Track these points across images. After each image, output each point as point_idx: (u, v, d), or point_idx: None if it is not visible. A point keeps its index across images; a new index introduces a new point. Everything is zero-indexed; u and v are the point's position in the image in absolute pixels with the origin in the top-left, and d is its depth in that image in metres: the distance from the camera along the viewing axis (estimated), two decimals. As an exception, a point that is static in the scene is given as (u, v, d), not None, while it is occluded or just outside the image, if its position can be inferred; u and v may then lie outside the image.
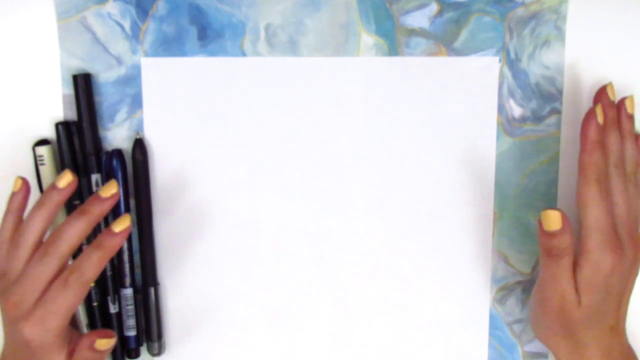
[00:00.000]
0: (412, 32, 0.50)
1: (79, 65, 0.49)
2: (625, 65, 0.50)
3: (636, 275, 0.47)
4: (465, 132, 0.51)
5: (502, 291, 0.52)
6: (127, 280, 0.50)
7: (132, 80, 0.50)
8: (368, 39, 0.50)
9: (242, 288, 0.52)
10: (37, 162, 0.49)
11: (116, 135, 0.50)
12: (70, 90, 0.49)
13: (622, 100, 0.48)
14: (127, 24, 0.49)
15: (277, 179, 0.51)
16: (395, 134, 0.51)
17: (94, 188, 0.49)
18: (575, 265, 0.45)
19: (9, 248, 0.45)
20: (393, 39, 0.50)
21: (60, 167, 0.49)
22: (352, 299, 0.52)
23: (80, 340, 0.45)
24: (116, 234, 0.44)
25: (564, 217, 0.44)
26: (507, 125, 0.51)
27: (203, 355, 0.52)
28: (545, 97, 0.51)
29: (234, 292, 0.52)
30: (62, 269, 0.44)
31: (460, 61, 0.50)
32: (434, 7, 0.49)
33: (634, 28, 0.50)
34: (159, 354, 0.52)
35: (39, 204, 0.45)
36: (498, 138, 0.51)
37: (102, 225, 0.50)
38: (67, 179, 0.45)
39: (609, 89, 0.47)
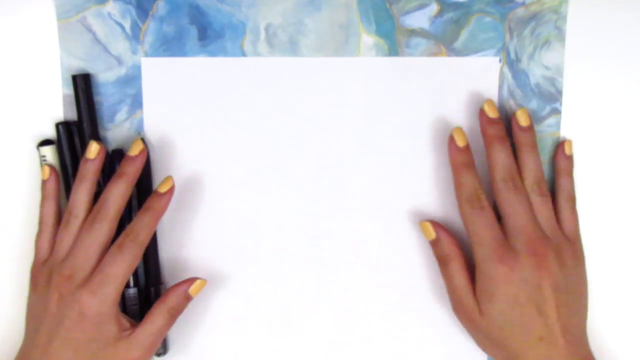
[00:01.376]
0: (413, 32, 0.50)
1: (79, 65, 0.49)
2: (625, 66, 0.51)
3: (561, 282, 0.46)
4: (465, 133, 0.51)
5: (502, 291, 0.52)
6: (131, 281, 0.50)
7: (132, 80, 0.50)
8: (368, 39, 0.50)
9: (244, 287, 0.52)
10: (41, 162, 0.49)
11: (116, 136, 0.50)
12: (71, 90, 0.49)
13: (514, 114, 0.49)
14: (127, 24, 0.49)
15: (278, 178, 0.51)
16: (395, 134, 0.51)
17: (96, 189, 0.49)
18: (474, 276, 0.47)
19: (58, 231, 0.47)
20: (393, 39, 0.50)
21: (61, 167, 0.49)
22: (352, 299, 0.52)
23: (175, 287, 0.48)
24: (162, 195, 0.47)
25: (437, 227, 0.49)
26: (507, 125, 0.51)
27: (206, 354, 0.52)
28: (545, 97, 0.51)
29: (236, 291, 0.52)
30: (112, 234, 0.46)
31: (460, 61, 0.50)
32: (434, 8, 0.50)
33: (634, 28, 0.50)
34: (163, 353, 0.52)
35: (79, 179, 0.47)
36: (498, 138, 0.51)
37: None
38: (95, 148, 0.47)
39: (486, 107, 0.48)
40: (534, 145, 0.48)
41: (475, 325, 0.47)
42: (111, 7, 0.49)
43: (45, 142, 0.49)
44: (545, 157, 0.51)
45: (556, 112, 0.51)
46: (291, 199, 0.51)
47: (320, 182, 0.51)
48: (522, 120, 0.48)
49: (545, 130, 0.51)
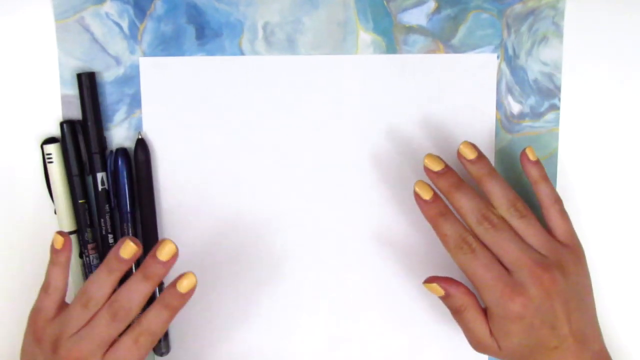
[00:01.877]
0: (410, 29, 0.50)
1: (78, 65, 0.49)
2: (623, 61, 0.50)
3: (570, 294, 0.45)
4: (463, 129, 0.51)
5: (502, 288, 0.52)
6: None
7: (130, 80, 0.50)
8: (366, 36, 0.50)
9: (245, 287, 0.52)
10: (45, 160, 0.49)
11: (115, 135, 0.50)
12: (69, 90, 0.49)
13: (458, 151, 0.47)
14: (125, 24, 0.49)
15: (277, 176, 0.51)
16: (393, 131, 0.51)
17: (100, 187, 0.49)
18: (487, 315, 0.46)
19: (72, 303, 0.45)
20: (391, 36, 0.50)
21: (65, 165, 0.49)
22: (353, 297, 0.52)
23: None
24: (183, 295, 0.45)
25: (443, 283, 0.47)
26: (505, 121, 0.51)
27: (207, 354, 0.52)
28: (544, 93, 0.51)
29: (237, 291, 0.52)
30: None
31: (458, 58, 0.50)
32: (431, 4, 0.49)
33: (632, 24, 0.50)
34: (165, 353, 0.52)
35: (107, 269, 0.44)
36: (497, 134, 0.51)
37: (107, 222, 0.50)
38: (130, 249, 0.44)
39: (427, 163, 0.47)
40: (492, 171, 0.47)
41: (494, 357, 0.47)
42: (109, 7, 0.49)
43: (48, 141, 0.49)
44: (545, 154, 0.51)
45: (555, 108, 0.51)
46: (290, 196, 0.51)
47: (319, 179, 0.51)
48: (468, 153, 0.47)
49: (544, 127, 0.51)
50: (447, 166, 0.47)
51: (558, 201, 0.48)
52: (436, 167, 0.47)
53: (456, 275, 0.52)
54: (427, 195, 0.46)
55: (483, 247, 0.46)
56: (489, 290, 0.45)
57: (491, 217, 0.46)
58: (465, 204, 0.46)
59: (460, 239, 0.46)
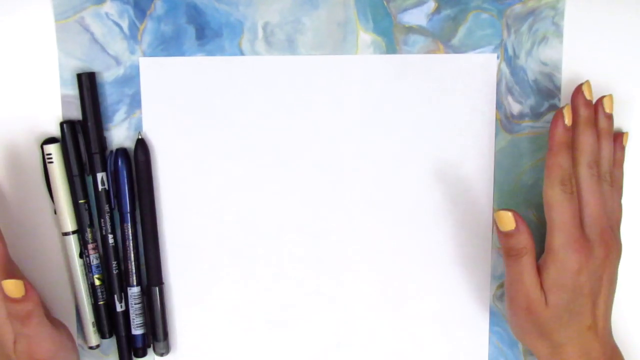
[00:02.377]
0: (410, 29, 0.50)
1: (78, 65, 0.49)
2: (623, 61, 0.50)
3: (613, 275, 0.46)
4: (463, 129, 0.51)
5: (502, 288, 0.52)
6: (134, 279, 0.50)
7: (130, 80, 0.50)
8: (366, 36, 0.50)
9: (245, 287, 0.52)
10: (45, 160, 0.49)
11: (115, 135, 0.50)
12: (69, 91, 0.49)
13: (600, 100, 0.48)
14: (125, 24, 0.49)
15: (277, 176, 0.51)
16: (393, 131, 0.51)
17: (100, 187, 0.49)
18: (541, 265, 0.46)
19: None
20: (391, 36, 0.50)
21: (65, 165, 0.49)
22: (353, 297, 0.52)
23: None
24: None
25: (517, 217, 0.45)
26: (505, 121, 0.51)
27: (209, 354, 0.52)
28: (544, 93, 0.51)
29: (237, 291, 0.52)
30: None
31: (458, 58, 0.50)
32: (431, 5, 0.49)
33: (632, 24, 0.50)
34: (165, 353, 0.52)
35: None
36: (497, 135, 0.51)
37: (107, 222, 0.50)
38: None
39: (585, 88, 0.47)
40: (612, 134, 0.48)
41: (536, 317, 0.46)
42: (109, 7, 0.49)
43: (48, 141, 0.49)
44: (545, 154, 0.51)
45: (555, 108, 0.51)
46: (291, 197, 0.51)
47: (319, 180, 0.51)
48: (608, 106, 0.48)
49: (544, 127, 0.51)
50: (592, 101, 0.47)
51: (622, 192, 0.49)
52: (590, 96, 0.47)
53: (455, 275, 0.52)
54: (570, 121, 0.46)
55: (576, 196, 0.45)
56: (565, 233, 0.45)
57: (601, 167, 0.47)
58: (590, 144, 0.46)
59: (568, 176, 0.45)
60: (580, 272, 0.45)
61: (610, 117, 0.48)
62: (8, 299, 0.44)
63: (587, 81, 0.47)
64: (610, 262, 0.46)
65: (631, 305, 0.52)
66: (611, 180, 0.47)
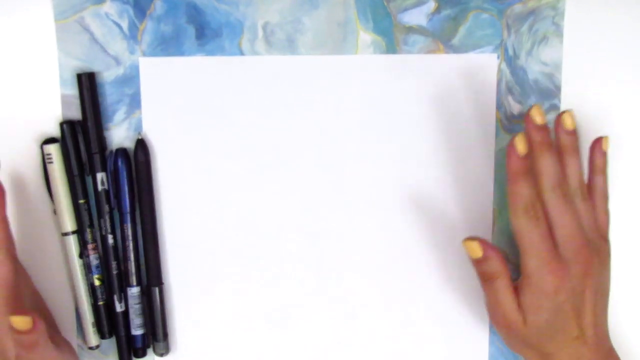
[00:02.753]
0: (410, 29, 0.50)
1: (77, 65, 0.49)
2: (623, 61, 0.50)
3: (599, 285, 0.46)
4: (464, 129, 0.51)
5: (502, 288, 0.52)
6: (134, 279, 0.50)
7: (130, 80, 0.50)
8: (366, 36, 0.50)
9: (246, 287, 0.52)
10: (45, 160, 0.49)
11: (115, 135, 0.50)
12: (69, 91, 0.49)
13: (559, 117, 0.47)
14: (124, 24, 0.49)
15: (277, 176, 0.51)
16: (393, 131, 0.51)
17: (100, 187, 0.49)
18: (519, 287, 0.46)
19: None
20: (391, 36, 0.50)
21: (65, 165, 0.49)
22: (353, 298, 0.52)
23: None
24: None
25: (484, 245, 0.46)
26: (506, 122, 0.51)
27: (209, 354, 0.52)
28: (544, 93, 0.50)
29: (237, 291, 0.52)
30: None
31: (458, 58, 0.50)
32: (431, 5, 0.49)
33: (632, 24, 0.50)
34: (165, 353, 0.52)
35: None
36: (497, 135, 0.51)
37: (107, 222, 0.50)
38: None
39: (533, 113, 0.46)
40: (577, 149, 0.47)
41: (517, 334, 0.47)
42: (109, 7, 0.49)
43: (48, 141, 0.49)
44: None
45: (555, 108, 0.51)
46: (291, 197, 0.51)
47: (319, 179, 0.51)
48: (568, 123, 0.47)
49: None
50: (547, 124, 0.47)
51: (607, 198, 0.48)
52: (540, 120, 0.46)
53: (456, 275, 0.52)
54: (523, 150, 0.45)
55: (544, 218, 0.45)
56: (535, 257, 0.45)
57: (565, 187, 0.46)
58: (550, 166, 0.46)
59: (530, 203, 0.45)
60: (558, 293, 0.45)
61: (572, 133, 0.47)
62: (15, 330, 0.43)
63: (536, 105, 0.46)
64: (592, 276, 0.46)
65: (628, 307, 0.52)
66: (582, 195, 0.47)
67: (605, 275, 0.47)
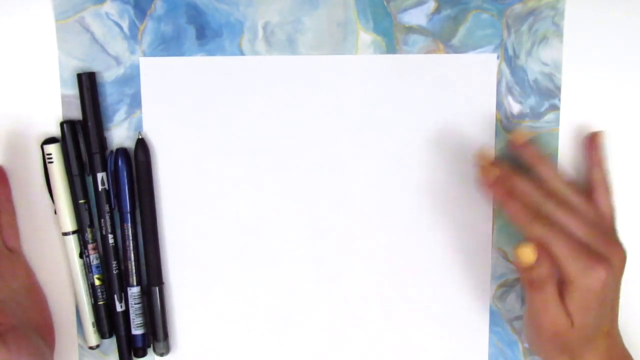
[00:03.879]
0: (410, 29, 0.50)
1: (78, 65, 0.49)
2: (623, 61, 0.50)
3: (620, 279, 0.46)
4: (463, 129, 0.51)
5: (502, 288, 0.52)
6: (134, 279, 0.50)
7: (130, 80, 0.50)
8: (366, 36, 0.50)
9: (246, 287, 0.52)
10: (45, 160, 0.49)
11: (115, 135, 0.50)
12: (69, 90, 0.49)
13: (509, 139, 0.49)
14: (125, 24, 0.49)
15: (277, 176, 0.51)
16: (393, 131, 0.51)
17: (100, 187, 0.49)
18: (563, 291, 0.44)
19: None
20: (391, 36, 0.50)
21: (65, 165, 0.49)
22: (353, 297, 0.52)
23: None
24: None
25: (538, 249, 0.44)
26: (505, 121, 0.51)
27: (209, 354, 0.52)
28: (544, 93, 0.51)
29: (237, 291, 0.52)
30: None
31: (458, 58, 0.50)
32: (431, 5, 0.49)
33: (632, 24, 0.50)
34: (165, 353, 0.52)
35: None
36: (497, 135, 0.51)
37: (107, 222, 0.50)
38: None
39: (480, 164, 0.48)
40: (540, 157, 0.48)
41: (561, 340, 0.45)
42: (109, 7, 0.49)
43: (48, 141, 0.49)
44: (545, 154, 0.51)
45: (555, 108, 0.51)
46: (291, 196, 0.51)
47: (319, 180, 0.51)
48: (517, 140, 0.48)
49: (544, 127, 0.51)
50: (494, 161, 0.48)
51: (609, 190, 0.49)
52: (488, 169, 0.47)
53: (456, 275, 0.52)
54: (492, 176, 0.46)
55: (559, 226, 0.44)
56: (574, 259, 0.43)
57: (553, 194, 0.46)
58: (526, 186, 0.46)
59: (535, 211, 0.45)
60: (605, 285, 0.44)
61: (524, 146, 0.48)
62: None
63: (480, 150, 0.48)
64: (621, 269, 0.45)
65: (631, 306, 0.52)
66: (573, 191, 0.47)
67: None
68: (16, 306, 0.48)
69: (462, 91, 0.50)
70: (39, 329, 0.49)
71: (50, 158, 0.49)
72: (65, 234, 0.50)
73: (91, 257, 0.50)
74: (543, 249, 0.44)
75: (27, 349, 0.46)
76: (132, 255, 0.50)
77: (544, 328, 0.45)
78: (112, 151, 0.50)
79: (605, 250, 0.44)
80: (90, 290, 0.51)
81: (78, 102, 0.49)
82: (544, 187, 0.46)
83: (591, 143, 0.49)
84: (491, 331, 0.53)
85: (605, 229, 0.47)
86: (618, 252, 0.45)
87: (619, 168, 0.51)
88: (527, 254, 0.44)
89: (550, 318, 0.45)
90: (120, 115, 0.50)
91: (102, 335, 0.51)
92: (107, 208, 0.50)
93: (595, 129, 0.51)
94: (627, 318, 0.52)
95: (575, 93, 0.51)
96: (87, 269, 0.50)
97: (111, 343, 0.52)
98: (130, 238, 0.50)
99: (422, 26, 0.50)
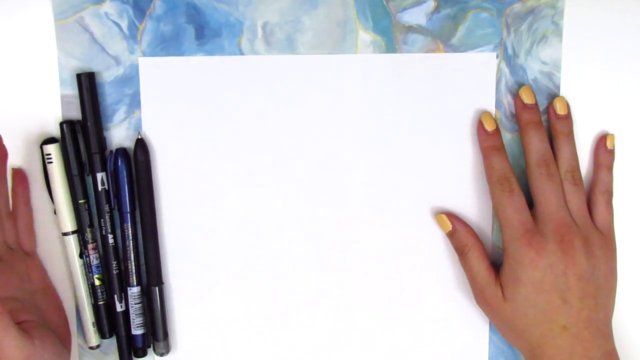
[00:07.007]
0: (410, 29, 0.50)
1: (77, 65, 0.49)
2: (623, 60, 0.50)
3: (586, 273, 0.46)
4: (463, 129, 0.51)
5: (502, 287, 0.52)
6: (134, 279, 0.50)
7: (130, 80, 0.50)
8: (365, 36, 0.50)
9: (246, 287, 0.52)
10: (44, 160, 0.49)
11: (115, 135, 0.50)
12: (69, 90, 0.49)
13: (551, 103, 0.49)
14: (124, 24, 0.49)
15: (277, 176, 0.51)
16: (393, 131, 0.51)
17: (100, 187, 0.49)
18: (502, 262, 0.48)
19: None
20: (390, 36, 0.50)
21: (64, 165, 0.49)
22: (353, 297, 0.52)
23: None
24: None
25: (452, 218, 0.50)
26: (505, 121, 0.51)
27: (209, 354, 0.52)
28: (543, 92, 0.51)
29: (237, 291, 0.52)
30: None
31: (457, 57, 0.50)
32: (431, 4, 0.49)
33: (632, 24, 0.50)
34: (165, 353, 0.52)
35: None
36: (496, 134, 0.51)
37: (107, 222, 0.50)
38: None
39: (522, 93, 0.49)
40: (570, 134, 0.49)
41: (499, 312, 0.47)
42: (108, 7, 0.49)
43: (47, 141, 0.49)
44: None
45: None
46: (291, 196, 0.51)
47: (319, 179, 0.51)
48: (559, 108, 0.49)
49: (544, 126, 0.51)
50: (536, 104, 0.49)
51: (610, 193, 0.49)
52: (528, 100, 0.48)
53: (455, 275, 0.52)
54: (490, 127, 0.49)
55: (521, 193, 0.47)
56: (510, 229, 0.47)
57: (551, 167, 0.47)
58: (535, 144, 0.48)
59: (503, 176, 0.48)
60: (534, 267, 0.46)
61: (564, 118, 0.49)
62: None
63: (526, 86, 0.49)
64: (573, 259, 0.45)
65: (629, 307, 0.52)
66: (574, 180, 0.48)
67: (598, 267, 0.46)
68: (35, 308, 0.48)
69: (461, 90, 0.50)
70: (57, 330, 0.49)
71: (50, 158, 0.49)
72: (65, 234, 0.50)
73: (91, 257, 0.50)
74: (458, 219, 0.49)
75: (51, 348, 0.46)
76: (132, 255, 0.50)
77: (476, 296, 0.49)
78: (111, 151, 0.50)
79: (554, 237, 0.46)
80: (90, 290, 0.51)
81: (77, 102, 0.49)
82: (547, 153, 0.48)
83: (601, 145, 0.50)
84: (491, 331, 0.53)
85: (585, 224, 0.47)
86: (572, 247, 0.45)
87: (619, 168, 0.51)
88: (443, 222, 0.50)
89: (479, 284, 0.48)
90: (119, 115, 0.50)
91: (102, 335, 0.51)
92: (107, 208, 0.50)
93: (593, 129, 0.51)
94: (627, 318, 0.52)
95: (574, 92, 0.51)
96: (87, 269, 0.50)
97: (111, 343, 0.52)
98: (130, 238, 0.50)
99: (422, 25, 0.50)
